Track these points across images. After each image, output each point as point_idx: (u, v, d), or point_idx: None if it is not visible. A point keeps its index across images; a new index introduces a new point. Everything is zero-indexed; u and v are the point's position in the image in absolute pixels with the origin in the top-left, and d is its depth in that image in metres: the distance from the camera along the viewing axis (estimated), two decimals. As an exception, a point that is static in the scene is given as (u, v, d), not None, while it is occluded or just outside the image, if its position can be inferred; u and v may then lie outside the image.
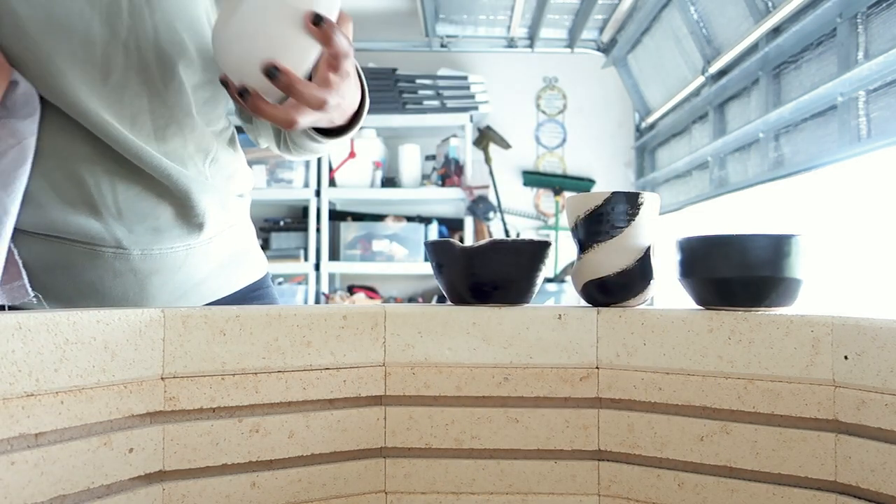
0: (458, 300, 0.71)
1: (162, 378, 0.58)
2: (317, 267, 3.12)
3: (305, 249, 3.13)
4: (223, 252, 0.84)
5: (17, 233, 0.70)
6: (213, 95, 0.81)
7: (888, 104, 1.59)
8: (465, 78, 3.16)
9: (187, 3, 0.74)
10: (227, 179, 0.83)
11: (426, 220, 3.21)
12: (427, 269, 2.98)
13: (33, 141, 0.68)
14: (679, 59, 2.67)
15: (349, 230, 3.17)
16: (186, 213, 0.76)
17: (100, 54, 0.70)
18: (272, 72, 0.60)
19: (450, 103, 3.11)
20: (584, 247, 0.69)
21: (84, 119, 0.69)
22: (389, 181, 3.19)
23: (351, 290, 3.22)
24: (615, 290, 0.67)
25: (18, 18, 0.66)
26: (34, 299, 0.71)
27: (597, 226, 0.68)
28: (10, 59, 0.67)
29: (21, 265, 0.70)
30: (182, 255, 0.78)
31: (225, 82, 0.64)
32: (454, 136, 3.15)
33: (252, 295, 0.90)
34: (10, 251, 0.69)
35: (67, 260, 0.72)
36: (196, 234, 0.78)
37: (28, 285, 0.70)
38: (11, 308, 0.71)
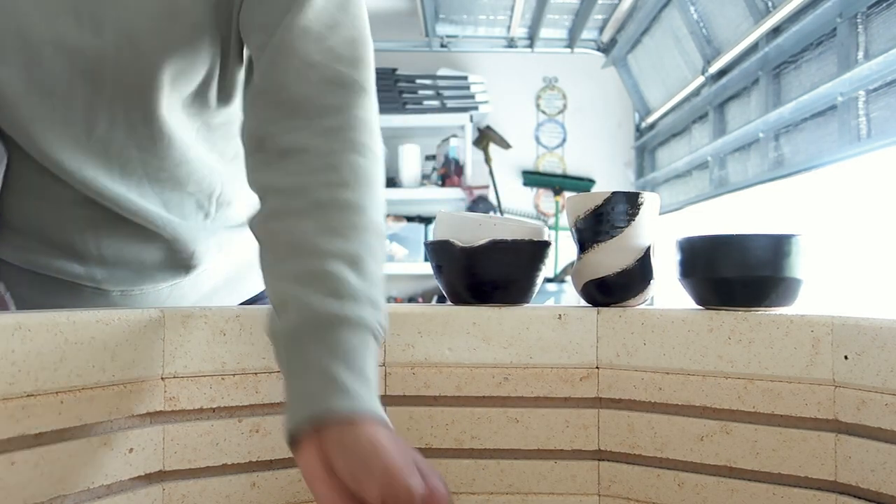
0: (458, 300, 0.71)
1: (162, 378, 0.58)
2: (317, 267, 3.11)
3: (306, 249, 3.12)
4: (217, 278, 0.83)
5: (2, 263, 0.72)
6: (223, 123, 0.75)
7: (888, 104, 1.59)
8: (465, 78, 3.15)
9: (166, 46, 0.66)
10: (232, 212, 0.79)
11: (426, 220, 3.20)
12: (427, 269, 2.97)
13: None
14: (679, 59, 2.67)
15: (349, 230, 3.16)
16: (175, 257, 0.76)
17: (81, 111, 0.66)
18: None
19: (450, 103, 3.11)
20: (584, 247, 0.69)
21: (69, 177, 0.67)
22: (389, 181, 3.18)
23: (351, 289, 3.21)
24: (615, 289, 0.67)
25: None
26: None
27: (597, 226, 0.68)
28: None
29: (8, 296, 0.72)
30: (166, 293, 0.78)
31: None
32: (454, 135, 3.14)
33: (261, 304, 0.89)
34: None
35: (49, 290, 0.74)
36: (183, 274, 0.78)
37: (11, 303, 0.72)
38: None
